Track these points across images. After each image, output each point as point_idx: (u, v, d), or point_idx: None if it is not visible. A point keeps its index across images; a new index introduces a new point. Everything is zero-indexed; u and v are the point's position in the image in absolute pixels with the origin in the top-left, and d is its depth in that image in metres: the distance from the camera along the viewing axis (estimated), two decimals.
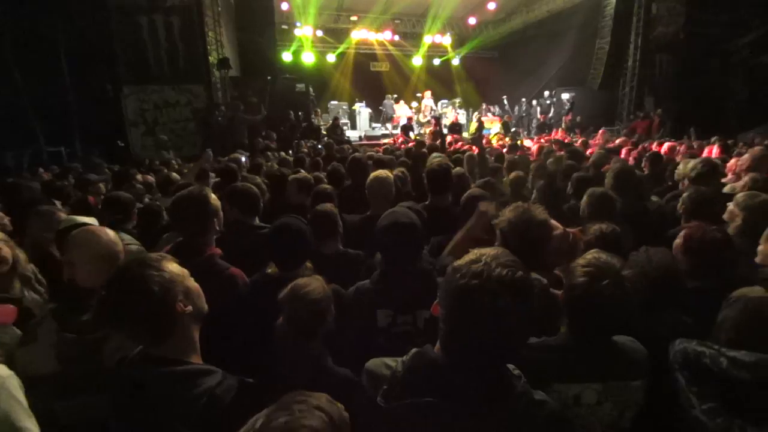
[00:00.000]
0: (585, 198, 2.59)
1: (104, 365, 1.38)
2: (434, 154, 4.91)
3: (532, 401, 0.95)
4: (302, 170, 4.36)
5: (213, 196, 1.98)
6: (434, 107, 16.73)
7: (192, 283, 1.22)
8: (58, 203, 3.53)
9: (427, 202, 2.92)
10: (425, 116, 16.62)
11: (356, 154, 4.69)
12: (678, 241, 1.94)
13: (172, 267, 1.18)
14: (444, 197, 2.87)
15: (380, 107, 16.68)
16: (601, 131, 10.54)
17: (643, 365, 1.29)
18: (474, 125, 14.62)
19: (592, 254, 1.34)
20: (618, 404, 1.25)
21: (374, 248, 1.94)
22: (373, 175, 2.81)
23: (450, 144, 8.71)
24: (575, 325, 1.31)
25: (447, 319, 0.92)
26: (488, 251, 0.92)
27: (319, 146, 9.24)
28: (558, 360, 1.25)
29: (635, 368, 1.28)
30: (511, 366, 0.98)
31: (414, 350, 1.00)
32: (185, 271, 1.22)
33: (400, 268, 1.68)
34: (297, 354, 1.38)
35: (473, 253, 0.92)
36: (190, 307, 1.16)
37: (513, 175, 3.99)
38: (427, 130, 14.61)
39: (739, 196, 2.38)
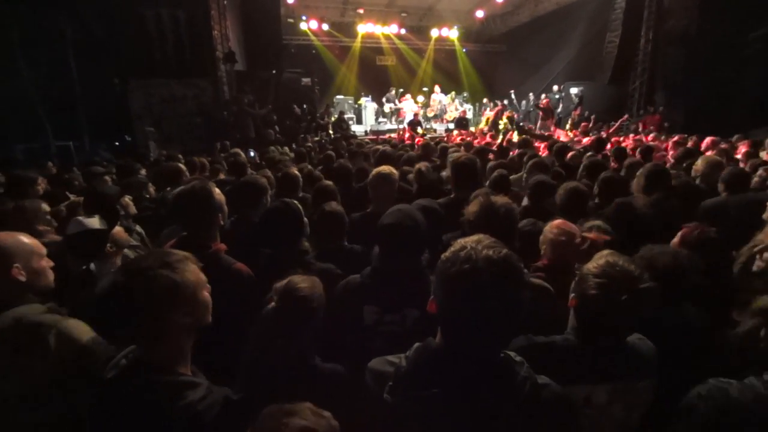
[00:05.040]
0: None
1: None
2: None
3: (535, 385, 0.96)
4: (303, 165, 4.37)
5: (217, 190, 1.95)
6: (443, 101, 16.66)
7: (202, 296, 1.17)
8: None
9: (452, 196, 2.88)
10: (433, 111, 16.57)
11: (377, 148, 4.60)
12: (675, 240, 2.00)
13: (190, 273, 1.14)
14: (469, 192, 2.78)
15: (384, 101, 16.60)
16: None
17: (652, 364, 1.26)
18: (488, 118, 14.56)
19: (605, 259, 1.25)
20: (627, 404, 1.23)
21: (374, 244, 1.90)
22: (375, 171, 2.76)
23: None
24: (585, 332, 1.26)
25: (445, 310, 0.95)
26: (470, 239, 0.95)
27: (323, 141, 9.22)
28: (566, 361, 1.22)
29: (644, 368, 1.24)
30: (512, 353, 1.00)
31: (417, 344, 1.02)
32: (201, 280, 1.17)
33: (395, 267, 1.62)
34: (283, 350, 1.36)
35: (457, 244, 0.96)
36: (188, 319, 1.12)
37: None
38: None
39: None
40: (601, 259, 1.26)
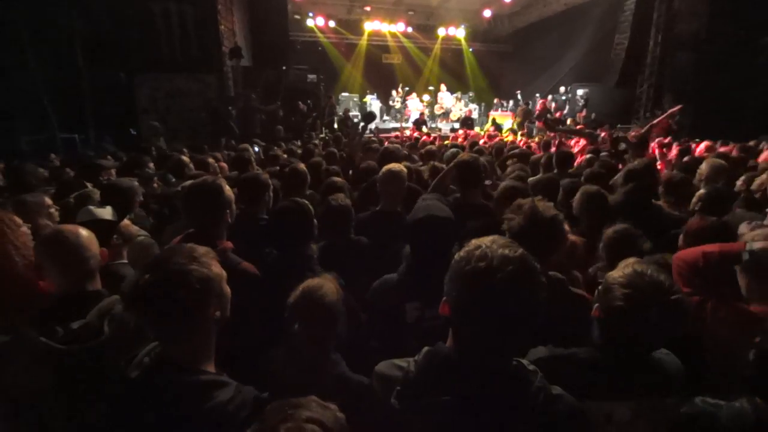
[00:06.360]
0: None
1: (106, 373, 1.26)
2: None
3: (549, 396, 0.93)
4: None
5: (227, 187, 1.92)
6: (449, 100, 16.63)
7: (226, 288, 1.16)
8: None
9: (458, 195, 2.84)
10: (442, 109, 16.56)
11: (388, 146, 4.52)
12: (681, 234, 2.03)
13: (216, 266, 1.12)
14: (476, 192, 2.78)
15: (390, 102, 16.58)
16: None
17: (679, 380, 1.19)
18: (494, 117, 14.49)
19: (632, 267, 1.15)
20: (652, 422, 1.16)
21: (399, 241, 1.90)
22: (385, 168, 2.71)
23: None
24: (609, 345, 1.19)
25: (459, 310, 0.92)
26: (485, 239, 0.94)
27: (327, 138, 9.21)
28: (589, 375, 1.15)
29: (671, 384, 1.18)
30: (525, 362, 0.97)
31: (426, 349, 1.00)
32: (224, 274, 1.16)
33: (431, 262, 1.60)
34: (312, 361, 1.32)
35: (471, 244, 0.94)
36: (218, 313, 1.11)
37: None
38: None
39: None
40: (627, 267, 1.17)
